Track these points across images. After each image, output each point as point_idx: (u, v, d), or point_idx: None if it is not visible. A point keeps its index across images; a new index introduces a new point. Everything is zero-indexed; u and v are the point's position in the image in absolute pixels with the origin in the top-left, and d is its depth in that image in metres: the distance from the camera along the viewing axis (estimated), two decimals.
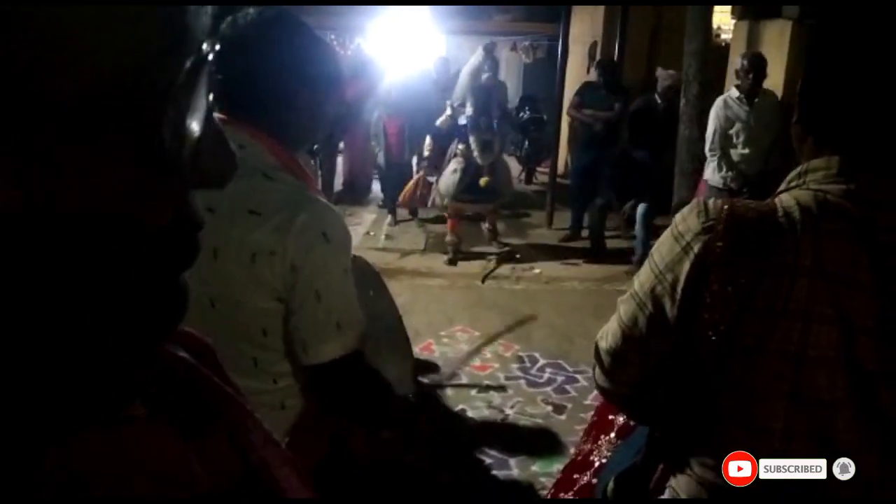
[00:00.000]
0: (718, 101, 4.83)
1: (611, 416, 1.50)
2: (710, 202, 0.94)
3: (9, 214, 0.26)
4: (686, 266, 0.92)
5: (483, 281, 5.40)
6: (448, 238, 5.80)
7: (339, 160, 7.92)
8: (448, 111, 5.75)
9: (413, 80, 7.10)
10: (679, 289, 0.93)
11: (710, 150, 4.81)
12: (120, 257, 0.30)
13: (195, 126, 0.32)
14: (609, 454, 1.41)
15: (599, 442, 1.48)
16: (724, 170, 4.73)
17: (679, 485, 1.03)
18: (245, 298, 1.10)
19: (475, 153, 5.48)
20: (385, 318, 1.85)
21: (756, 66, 4.61)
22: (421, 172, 6.02)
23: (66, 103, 0.26)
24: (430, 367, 3.89)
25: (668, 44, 7.09)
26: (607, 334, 1.07)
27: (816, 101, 0.95)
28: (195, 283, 1.13)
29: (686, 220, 0.94)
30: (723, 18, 7.79)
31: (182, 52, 0.30)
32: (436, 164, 5.99)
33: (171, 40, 0.29)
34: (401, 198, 6.15)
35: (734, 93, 4.71)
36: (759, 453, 0.91)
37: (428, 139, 5.89)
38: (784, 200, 0.91)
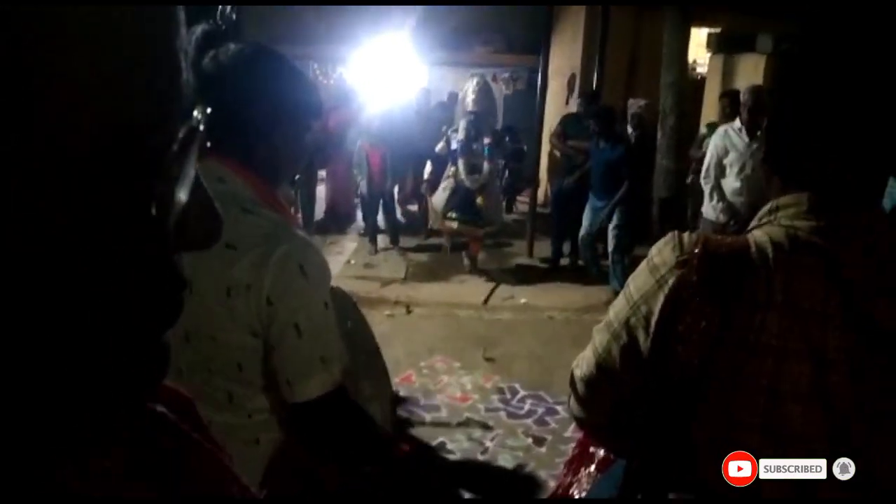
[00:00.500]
0: (719, 130, 4.83)
1: (592, 449, 1.49)
2: (686, 236, 0.95)
3: None
4: (660, 299, 0.92)
5: (485, 302, 5.51)
6: (444, 241, 6.34)
7: (321, 188, 7.92)
8: (445, 138, 6.02)
9: (395, 109, 7.16)
10: (653, 321, 0.93)
11: (704, 178, 4.85)
12: (100, 315, 0.30)
13: (183, 195, 0.33)
14: (588, 487, 1.40)
15: (580, 475, 1.47)
16: (716, 200, 4.77)
17: None
18: (220, 333, 1.08)
19: (462, 176, 5.69)
20: (363, 350, 1.83)
21: (757, 100, 4.61)
22: (427, 196, 6.30)
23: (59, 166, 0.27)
24: (411, 397, 3.85)
25: (646, 76, 7.22)
26: (582, 362, 1.07)
27: (782, 142, 0.97)
28: None
29: (661, 253, 0.95)
30: (698, 52, 7.97)
31: (173, 125, 0.31)
32: (434, 186, 6.30)
33: (162, 113, 0.30)
34: (431, 220, 6.46)
35: (737, 124, 4.72)
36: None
37: (429, 164, 6.10)
38: (756, 236, 0.92)
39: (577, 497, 1.45)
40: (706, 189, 4.84)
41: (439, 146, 6.07)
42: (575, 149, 6.14)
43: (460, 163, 5.70)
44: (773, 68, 6.15)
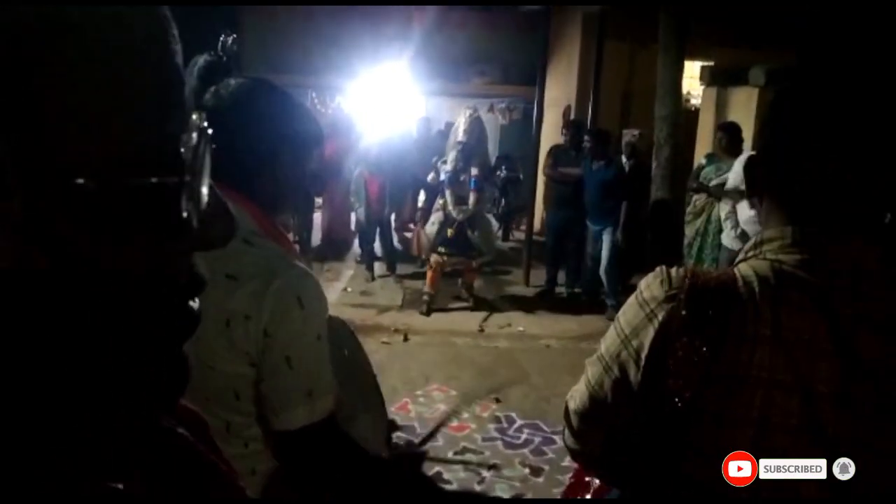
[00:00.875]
0: (741, 158, 4.89)
1: (587, 479, 1.49)
2: (674, 270, 0.96)
3: (34, 273, 0.28)
4: (650, 333, 0.93)
5: (482, 330, 5.51)
6: (425, 289, 5.90)
7: (317, 215, 7.95)
8: (433, 172, 6.02)
9: (394, 138, 7.22)
10: (643, 355, 0.94)
11: (723, 206, 4.91)
12: (129, 323, 0.31)
13: (204, 192, 0.35)
14: None
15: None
16: (729, 227, 4.82)
17: None
18: (218, 362, 1.08)
19: (450, 207, 5.69)
20: (359, 380, 1.83)
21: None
22: (418, 226, 6.20)
23: (97, 176, 0.29)
24: (407, 426, 3.83)
25: (640, 108, 7.31)
26: (576, 395, 1.08)
27: (771, 175, 0.97)
28: None
29: (650, 288, 0.96)
30: (692, 84, 8.09)
31: (189, 127, 0.33)
32: (426, 216, 6.35)
33: (182, 118, 0.33)
34: (413, 248, 6.29)
35: None
36: None
37: (422, 193, 6.08)
38: (742, 270, 0.93)
39: None
40: (723, 217, 4.89)
41: (430, 176, 6.11)
42: (565, 175, 6.21)
43: (448, 194, 5.71)
44: (765, 101, 6.23)
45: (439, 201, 5.82)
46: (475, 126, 5.86)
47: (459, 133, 5.77)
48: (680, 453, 0.94)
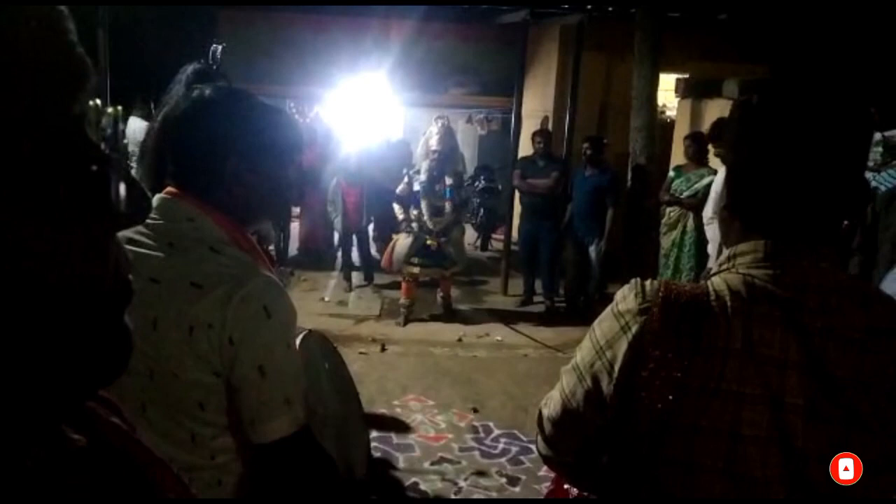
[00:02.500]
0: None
1: (566, 486, 1.51)
2: (648, 283, 0.98)
3: None
4: (624, 345, 0.95)
5: (460, 340, 5.42)
6: (401, 301, 5.88)
7: (295, 225, 7.91)
8: (406, 179, 5.84)
9: (371, 148, 7.22)
10: (616, 367, 0.95)
11: (708, 217, 4.91)
12: (64, 301, 0.32)
13: (115, 173, 0.36)
14: None
15: None
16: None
17: None
18: (182, 371, 1.07)
19: (425, 217, 5.62)
20: (342, 394, 1.81)
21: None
22: (399, 234, 5.96)
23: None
24: (384, 436, 3.81)
25: (616, 119, 7.40)
26: (550, 402, 1.09)
27: (743, 190, 0.99)
28: (135, 353, 1.10)
29: (626, 300, 0.98)
30: (668, 96, 8.20)
31: (81, 105, 0.35)
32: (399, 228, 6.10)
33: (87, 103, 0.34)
34: (384, 262, 6.05)
35: None
36: None
37: (396, 206, 5.92)
38: (715, 284, 0.94)
39: None
40: (706, 227, 4.92)
41: (400, 187, 5.92)
42: (532, 185, 6.25)
43: (423, 205, 5.64)
44: (732, 116, 6.34)
45: (413, 212, 5.73)
46: (447, 135, 5.78)
47: (433, 142, 5.65)
48: (653, 465, 0.94)
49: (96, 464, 0.37)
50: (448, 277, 6.00)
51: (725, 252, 0.99)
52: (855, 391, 0.87)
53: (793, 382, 0.88)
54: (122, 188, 0.36)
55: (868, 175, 5.30)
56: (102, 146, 0.35)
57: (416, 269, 5.74)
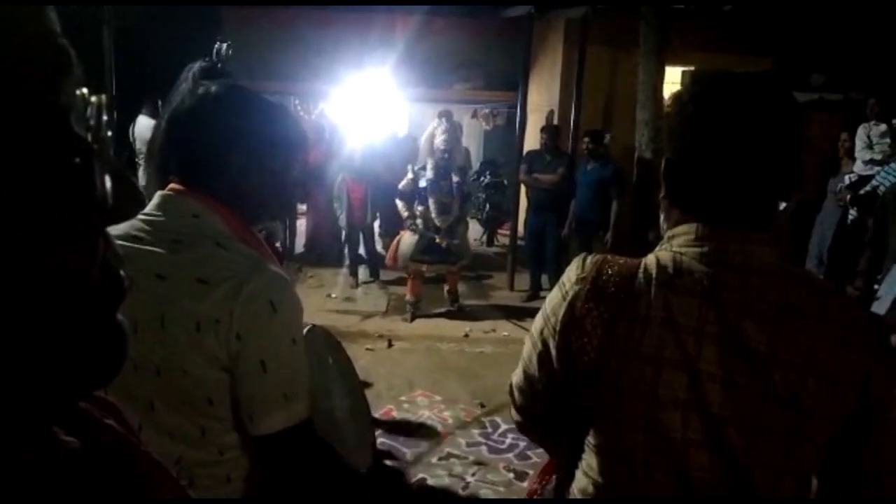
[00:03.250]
0: None
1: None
2: (589, 257, 1.08)
3: None
4: (562, 310, 1.05)
5: (467, 335, 5.40)
6: (407, 297, 5.89)
7: (301, 222, 7.93)
8: (409, 175, 5.80)
9: (376, 144, 7.22)
10: (558, 329, 1.06)
11: None
12: (58, 299, 0.32)
13: (104, 170, 0.36)
14: (549, 492, 1.52)
15: (544, 482, 1.58)
16: None
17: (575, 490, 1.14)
18: (190, 367, 1.07)
19: (433, 215, 5.61)
20: (346, 389, 1.82)
21: None
22: (403, 231, 5.92)
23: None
24: (391, 432, 3.82)
25: (622, 113, 7.37)
26: (516, 373, 1.20)
27: (677, 176, 1.06)
28: (142, 350, 1.10)
29: (568, 272, 1.09)
30: (674, 89, 8.15)
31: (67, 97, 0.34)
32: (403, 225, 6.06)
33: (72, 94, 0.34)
34: (388, 259, 6.00)
35: None
36: (627, 481, 1.02)
37: (398, 202, 5.87)
38: (648, 259, 1.04)
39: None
40: None
41: (403, 183, 5.86)
42: (539, 180, 6.25)
43: (431, 203, 5.62)
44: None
45: (418, 208, 5.70)
46: (453, 133, 5.70)
47: (439, 142, 5.57)
48: (594, 421, 1.06)
49: (88, 467, 0.37)
50: (455, 272, 5.99)
51: (665, 234, 1.07)
52: (769, 364, 0.93)
53: (710, 352, 0.95)
54: (108, 180, 0.35)
55: (874, 169, 5.27)
56: (88, 137, 0.35)
57: (422, 267, 5.74)
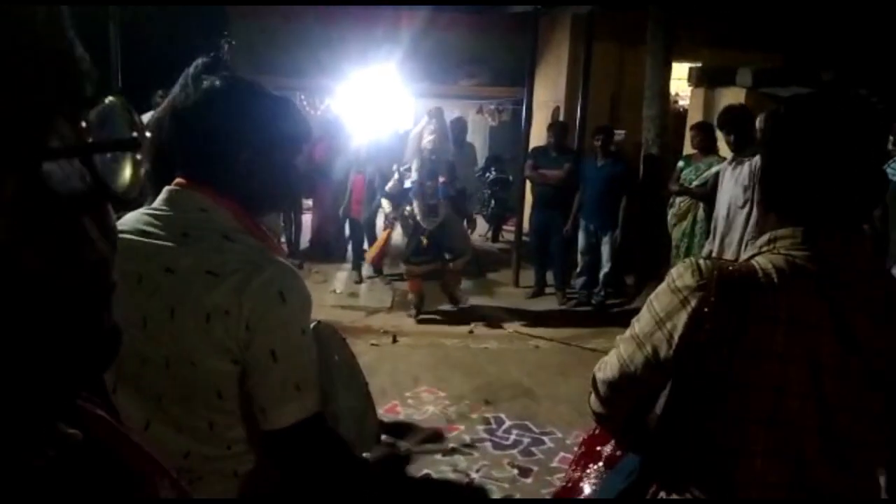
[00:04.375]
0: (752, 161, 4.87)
1: (598, 448, 1.63)
2: (702, 262, 1.13)
3: None
4: (684, 317, 1.09)
5: (471, 331, 5.38)
6: (410, 297, 5.85)
7: (307, 217, 7.94)
8: (395, 176, 5.61)
9: (382, 140, 7.23)
10: (677, 335, 1.10)
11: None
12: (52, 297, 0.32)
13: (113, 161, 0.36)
14: (597, 481, 1.56)
15: (588, 470, 1.62)
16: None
17: (672, 499, 1.20)
18: (199, 359, 1.08)
19: (419, 217, 5.45)
20: (350, 385, 1.82)
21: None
22: (388, 230, 5.87)
23: None
24: (396, 428, 3.83)
25: (628, 109, 7.35)
26: (605, 366, 1.24)
27: (777, 186, 1.15)
28: (151, 344, 1.10)
29: (682, 277, 1.12)
30: (680, 86, 8.13)
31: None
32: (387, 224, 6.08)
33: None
34: (367, 257, 6.02)
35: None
36: (745, 474, 1.09)
37: (385, 202, 5.80)
38: (761, 263, 1.10)
39: (587, 490, 1.59)
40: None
41: (390, 184, 5.66)
42: (545, 176, 6.24)
43: (415, 204, 5.43)
44: (756, 101, 6.29)
45: (407, 208, 5.52)
46: (442, 135, 5.48)
47: (426, 143, 5.36)
48: (708, 418, 1.11)
49: (86, 459, 0.37)
50: (452, 269, 5.81)
51: (765, 236, 1.15)
52: (875, 353, 1.04)
53: (827, 345, 1.05)
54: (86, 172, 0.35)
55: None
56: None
57: (416, 269, 5.66)
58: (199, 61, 1.17)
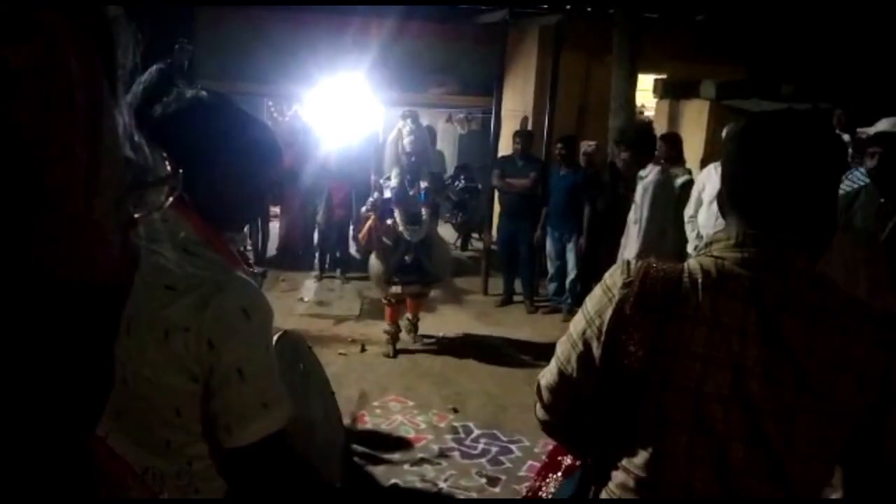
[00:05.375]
0: (709, 167, 4.90)
1: (559, 458, 1.67)
2: (633, 263, 1.15)
3: None
4: (609, 312, 1.12)
5: (439, 339, 5.33)
6: (386, 328, 5.17)
7: (274, 224, 7.86)
8: (373, 194, 5.02)
9: (353, 147, 7.22)
10: (604, 330, 1.12)
11: (688, 215, 4.90)
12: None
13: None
14: (554, 490, 1.61)
15: (548, 480, 1.67)
16: (694, 233, 4.84)
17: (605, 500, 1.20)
18: (157, 376, 1.05)
19: (401, 227, 4.86)
20: (316, 394, 1.80)
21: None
22: (372, 216, 4.99)
23: None
24: (364, 438, 3.79)
25: (595, 119, 7.44)
26: (547, 372, 1.25)
27: (730, 194, 1.15)
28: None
29: (612, 276, 1.15)
30: (646, 96, 8.26)
31: None
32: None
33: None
34: (360, 237, 5.26)
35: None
36: (670, 475, 1.08)
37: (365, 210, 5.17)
38: (690, 264, 1.11)
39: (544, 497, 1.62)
40: (686, 225, 4.91)
41: (368, 202, 5.07)
42: (511, 185, 6.29)
43: (397, 214, 4.84)
44: (718, 112, 6.43)
45: (388, 222, 4.88)
46: (420, 134, 4.93)
47: (405, 143, 4.82)
48: (632, 420, 1.11)
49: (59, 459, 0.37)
50: (422, 294, 5.25)
51: (705, 240, 1.16)
52: (805, 358, 1.02)
53: (751, 349, 1.03)
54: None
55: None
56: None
57: (398, 289, 5.00)
58: (154, 68, 1.15)
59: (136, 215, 0.36)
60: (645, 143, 4.64)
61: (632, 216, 4.61)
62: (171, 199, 0.39)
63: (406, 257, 4.90)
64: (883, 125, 3.03)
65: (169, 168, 0.37)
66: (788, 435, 1.03)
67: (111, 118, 0.36)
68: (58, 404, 0.32)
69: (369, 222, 5.01)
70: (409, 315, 5.32)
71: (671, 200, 4.64)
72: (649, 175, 4.50)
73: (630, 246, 4.52)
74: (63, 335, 0.31)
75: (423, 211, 4.93)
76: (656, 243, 4.39)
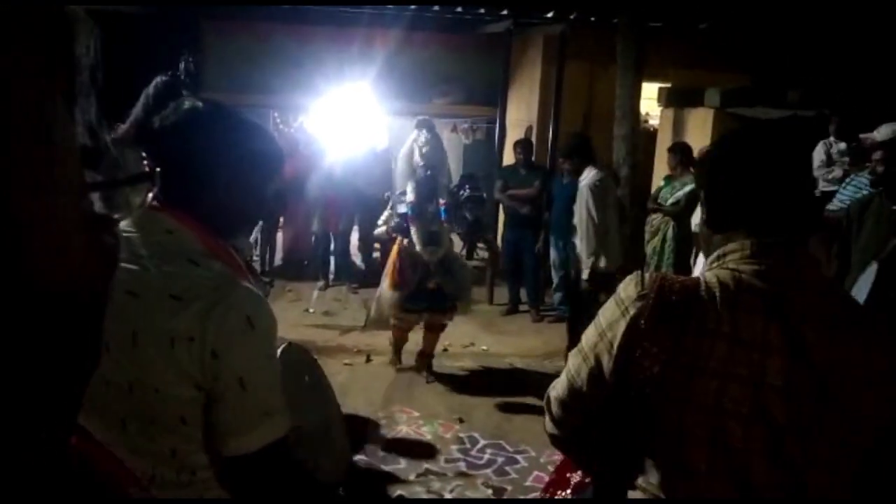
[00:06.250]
0: None
1: (568, 475, 1.65)
2: (647, 275, 1.12)
3: None
4: (622, 326, 1.08)
5: (446, 350, 5.29)
6: (390, 341, 4.98)
7: (280, 235, 7.88)
8: (387, 211, 4.73)
9: (357, 159, 7.25)
10: (616, 345, 1.08)
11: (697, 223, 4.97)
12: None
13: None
14: None
15: (557, 497, 1.64)
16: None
17: None
18: (163, 385, 1.06)
19: (418, 248, 4.41)
20: (321, 406, 1.80)
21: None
22: (398, 239, 4.57)
23: None
24: (369, 448, 3.78)
25: (600, 129, 7.44)
26: (557, 385, 1.22)
27: (722, 207, 1.15)
28: (114, 368, 1.09)
29: (626, 289, 1.12)
30: (650, 105, 8.26)
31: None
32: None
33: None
34: (388, 281, 4.62)
35: None
36: (688, 491, 1.06)
37: (382, 230, 4.88)
38: (707, 277, 1.08)
39: None
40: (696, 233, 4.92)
41: (383, 219, 4.75)
42: (515, 196, 6.29)
43: (413, 231, 4.39)
44: (720, 122, 6.43)
45: (404, 242, 4.48)
46: (436, 145, 4.51)
47: (416, 157, 4.43)
48: (647, 434, 1.08)
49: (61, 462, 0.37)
50: (441, 324, 4.76)
51: (715, 253, 1.13)
52: (827, 370, 1.00)
53: (775, 365, 1.01)
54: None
55: (832, 188, 5.37)
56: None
57: (412, 317, 4.61)
58: (159, 80, 1.17)
59: (111, 215, 0.35)
60: (581, 151, 4.90)
61: (575, 218, 4.82)
62: (149, 197, 0.38)
63: (428, 283, 4.42)
64: (885, 131, 3.04)
65: (147, 168, 0.36)
66: (811, 449, 1.01)
67: (66, 114, 0.35)
68: (15, 408, 0.32)
69: (395, 248, 4.55)
70: (422, 349, 4.86)
71: (611, 201, 4.81)
72: (585, 178, 4.74)
73: (580, 245, 4.78)
74: (10, 341, 0.31)
75: (442, 230, 4.49)
76: (601, 243, 4.62)
